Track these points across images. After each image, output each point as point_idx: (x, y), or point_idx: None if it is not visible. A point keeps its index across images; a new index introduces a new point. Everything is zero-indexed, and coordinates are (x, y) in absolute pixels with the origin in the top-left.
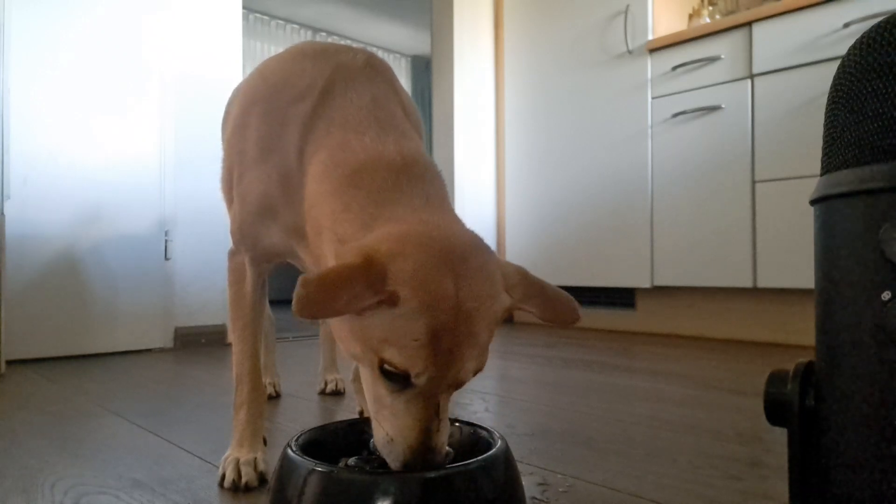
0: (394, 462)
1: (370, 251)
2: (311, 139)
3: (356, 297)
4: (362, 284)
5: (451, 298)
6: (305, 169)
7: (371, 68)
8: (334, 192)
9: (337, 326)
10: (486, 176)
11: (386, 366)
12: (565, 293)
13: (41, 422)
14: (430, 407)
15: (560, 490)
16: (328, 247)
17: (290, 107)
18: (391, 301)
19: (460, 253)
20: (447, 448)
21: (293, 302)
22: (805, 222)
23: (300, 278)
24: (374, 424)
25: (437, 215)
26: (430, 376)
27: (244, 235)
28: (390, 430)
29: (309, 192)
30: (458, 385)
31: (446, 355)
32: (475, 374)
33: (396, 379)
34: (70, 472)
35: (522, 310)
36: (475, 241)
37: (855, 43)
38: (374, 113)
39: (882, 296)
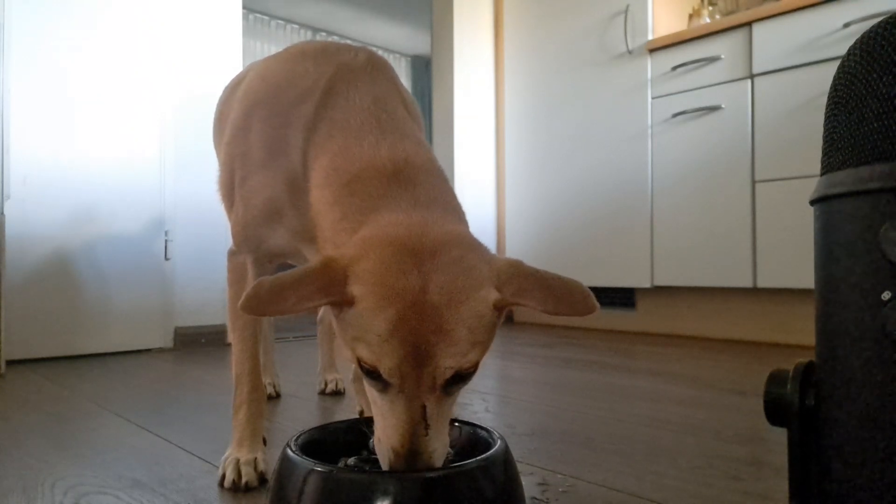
0: (382, 464)
1: (333, 256)
2: (313, 142)
3: (305, 298)
4: (314, 286)
5: (413, 292)
6: (309, 174)
7: (373, 67)
8: (334, 200)
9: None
10: (486, 176)
11: (361, 363)
12: (575, 282)
13: (41, 422)
14: (414, 408)
15: (560, 490)
16: None
17: (293, 108)
18: (348, 301)
19: (430, 248)
20: (448, 450)
21: (242, 299)
22: (805, 222)
23: (258, 280)
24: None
25: (419, 215)
26: (401, 373)
27: (248, 237)
28: (378, 431)
29: (314, 199)
30: (441, 385)
31: (415, 350)
32: (462, 376)
33: (374, 377)
34: (70, 472)
35: (520, 305)
36: (452, 237)
37: (855, 43)
38: (375, 114)
39: (882, 296)
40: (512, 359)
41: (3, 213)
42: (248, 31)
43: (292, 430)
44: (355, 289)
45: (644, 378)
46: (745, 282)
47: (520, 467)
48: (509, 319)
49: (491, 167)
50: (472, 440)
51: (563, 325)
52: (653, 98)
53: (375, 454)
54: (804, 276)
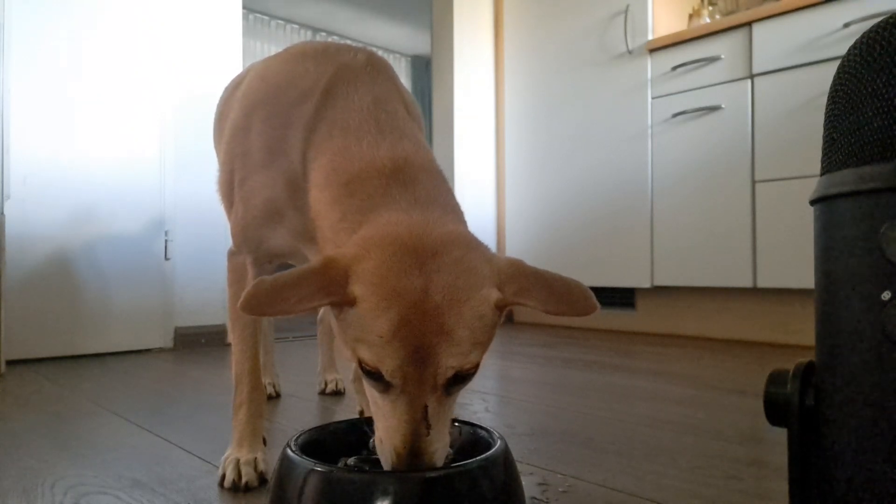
0: (384, 464)
1: (334, 255)
2: (313, 142)
3: (305, 298)
4: (314, 286)
5: (415, 293)
6: (308, 174)
7: (373, 67)
8: (334, 201)
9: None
10: (486, 176)
11: (362, 364)
12: (576, 282)
13: (41, 422)
14: (415, 409)
15: (560, 490)
16: None
17: (293, 109)
18: (349, 301)
19: (431, 248)
20: (448, 450)
21: (241, 299)
22: (805, 222)
23: (257, 279)
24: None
25: (419, 215)
26: (403, 374)
27: (248, 238)
28: (379, 431)
29: (313, 200)
30: (443, 385)
31: (416, 351)
32: (463, 376)
33: (375, 378)
34: (70, 472)
35: (521, 304)
36: (454, 237)
37: (855, 43)
38: (374, 115)
39: (882, 296)
40: (512, 359)
41: (3, 213)
42: (248, 31)
43: (292, 430)
44: (356, 289)
45: (644, 378)
46: (745, 282)
47: (520, 467)
48: (509, 319)
49: (491, 167)
50: (472, 440)
51: (563, 325)
52: (653, 98)
53: (376, 454)
54: (804, 276)
